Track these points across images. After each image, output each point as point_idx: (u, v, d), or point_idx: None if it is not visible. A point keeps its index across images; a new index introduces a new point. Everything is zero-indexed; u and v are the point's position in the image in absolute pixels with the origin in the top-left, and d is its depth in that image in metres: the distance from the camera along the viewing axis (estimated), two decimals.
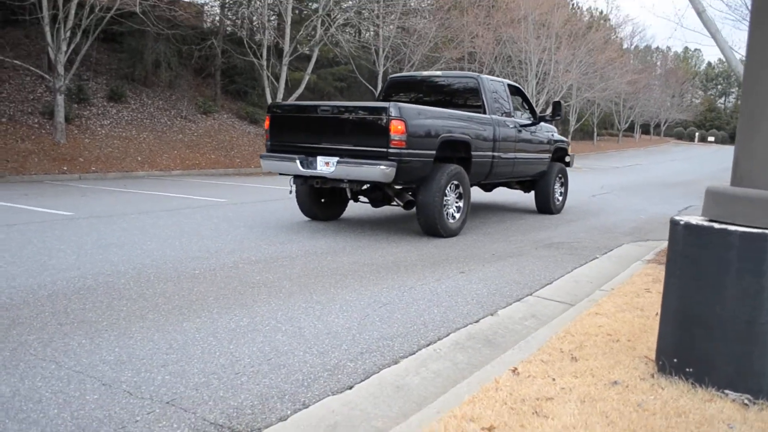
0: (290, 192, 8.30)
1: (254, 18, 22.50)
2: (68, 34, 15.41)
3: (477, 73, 9.39)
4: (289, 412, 2.87)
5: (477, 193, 11.93)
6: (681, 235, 2.93)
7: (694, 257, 2.86)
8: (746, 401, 2.78)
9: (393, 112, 6.83)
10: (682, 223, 2.93)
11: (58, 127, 15.87)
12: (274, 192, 12.62)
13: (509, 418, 2.58)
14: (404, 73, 10.73)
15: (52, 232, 7.08)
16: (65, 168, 14.81)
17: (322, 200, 8.68)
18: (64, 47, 15.43)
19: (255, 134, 22.41)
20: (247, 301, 4.60)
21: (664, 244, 3.47)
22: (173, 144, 18.84)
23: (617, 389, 2.91)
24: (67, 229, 7.32)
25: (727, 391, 2.83)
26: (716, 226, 2.80)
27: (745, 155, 2.89)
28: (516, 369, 3.15)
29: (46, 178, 13.95)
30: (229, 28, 24.22)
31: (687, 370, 2.95)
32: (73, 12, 15.19)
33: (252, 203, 10.64)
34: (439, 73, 9.86)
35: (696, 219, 2.96)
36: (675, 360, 3.00)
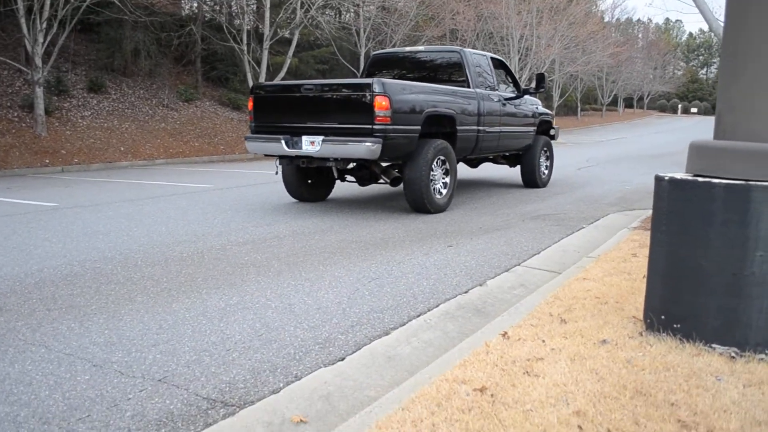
0: (276, 173, 8.26)
1: (233, 3, 22.25)
2: (44, 25, 15.16)
3: (460, 47, 9.35)
4: (281, 385, 2.88)
5: (463, 170, 11.93)
6: (666, 190, 2.94)
7: (679, 212, 2.88)
8: (733, 354, 2.81)
9: (377, 88, 6.80)
10: (666, 178, 2.94)
11: (38, 119, 15.67)
12: (259, 176, 12.56)
13: (500, 379, 2.60)
14: (387, 50, 10.65)
15: (37, 222, 7.02)
16: (47, 161, 14.65)
17: (309, 181, 8.65)
18: (41, 39, 15.18)
19: (238, 120, 22.25)
20: (236, 281, 4.59)
21: (650, 212, 3.48)
22: (156, 133, 18.67)
23: (606, 347, 2.93)
24: (52, 219, 7.26)
25: (714, 345, 2.86)
26: (700, 179, 2.82)
27: (727, 109, 2.91)
28: (506, 333, 3.17)
29: (28, 172, 13.81)
30: (207, 14, 23.91)
31: (675, 326, 2.98)
32: (48, 3, 14.94)
33: (238, 188, 10.59)
34: (422, 48, 9.81)
35: (680, 174, 2.97)
36: (663, 317, 3.02)
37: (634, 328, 3.20)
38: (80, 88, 18.90)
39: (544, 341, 3.04)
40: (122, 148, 16.79)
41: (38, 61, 15.27)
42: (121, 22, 19.28)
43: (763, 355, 2.79)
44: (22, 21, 14.84)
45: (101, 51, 20.45)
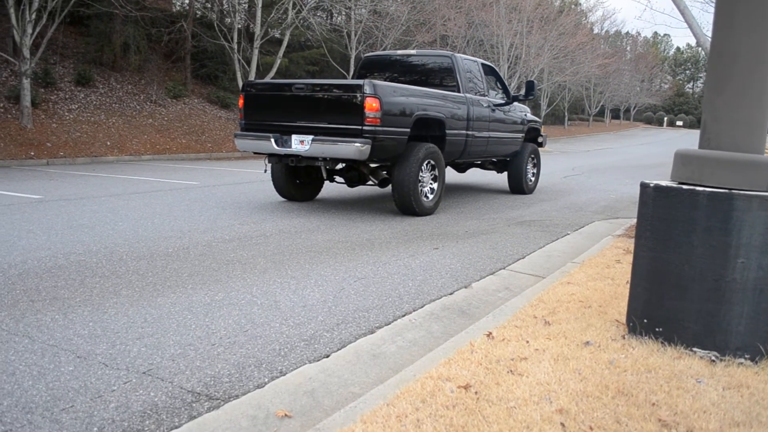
0: (264, 171, 8.25)
1: (224, 1, 22.19)
2: (33, 16, 15.03)
3: (451, 52, 9.40)
4: (266, 380, 2.88)
5: (451, 174, 11.99)
6: (651, 197, 2.99)
7: (663, 218, 2.93)
8: (713, 358, 2.86)
9: (368, 89, 6.82)
10: (652, 185, 2.99)
11: (24, 111, 15.52)
12: (246, 175, 12.54)
13: (485, 377, 2.63)
14: (378, 53, 10.69)
15: (21, 214, 6.96)
16: (32, 153, 14.51)
17: (298, 180, 8.64)
18: (29, 30, 15.05)
19: (226, 119, 22.17)
20: (221, 277, 4.58)
21: (634, 220, 3.53)
22: (143, 128, 18.56)
23: (589, 349, 2.97)
24: (36, 211, 7.20)
25: (695, 349, 2.91)
26: (685, 187, 2.87)
27: (712, 119, 2.96)
28: (491, 333, 3.20)
29: (12, 164, 13.66)
30: (198, 11, 23.84)
31: (657, 329, 3.02)
32: None
33: (225, 185, 10.56)
34: (413, 52, 9.85)
35: (665, 182, 3.02)
36: (645, 320, 3.07)
37: (616, 331, 3.24)
38: (68, 81, 18.74)
39: (528, 342, 3.07)
40: (109, 143, 16.67)
41: (26, 53, 15.13)
42: (111, 16, 19.16)
43: (742, 360, 2.84)
44: (11, 11, 14.71)
45: (90, 44, 20.27)
